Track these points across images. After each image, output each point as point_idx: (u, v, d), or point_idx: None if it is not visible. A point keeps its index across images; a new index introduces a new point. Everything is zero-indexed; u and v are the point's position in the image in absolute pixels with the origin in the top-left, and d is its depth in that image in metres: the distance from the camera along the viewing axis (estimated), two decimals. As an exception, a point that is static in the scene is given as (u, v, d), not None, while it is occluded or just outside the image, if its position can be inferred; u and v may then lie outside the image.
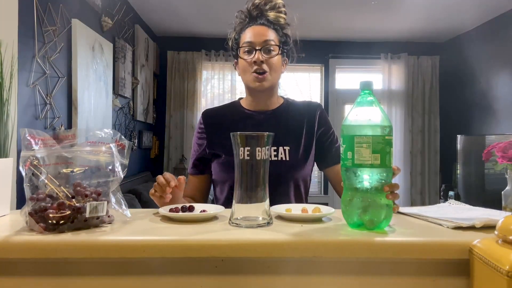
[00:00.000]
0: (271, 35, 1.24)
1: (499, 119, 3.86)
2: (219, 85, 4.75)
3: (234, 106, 1.37)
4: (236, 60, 1.33)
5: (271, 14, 1.27)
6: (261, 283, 0.74)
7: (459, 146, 3.69)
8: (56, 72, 2.29)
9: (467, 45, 4.39)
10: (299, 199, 1.27)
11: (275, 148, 1.25)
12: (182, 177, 1.07)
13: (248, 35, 1.24)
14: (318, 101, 1.38)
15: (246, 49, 1.24)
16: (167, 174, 1.04)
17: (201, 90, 4.74)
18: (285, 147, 1.25)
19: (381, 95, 4.73)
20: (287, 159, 1.25)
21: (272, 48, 1.23)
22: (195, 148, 1.35)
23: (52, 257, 0.70)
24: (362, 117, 0.79)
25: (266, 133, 0.82)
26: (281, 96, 1.38)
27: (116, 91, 3.28)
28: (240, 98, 1.40)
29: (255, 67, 1.22)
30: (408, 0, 3.53)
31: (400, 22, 4.16)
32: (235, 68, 1.36)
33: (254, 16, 1.28)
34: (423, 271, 0.73)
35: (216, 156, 1.29)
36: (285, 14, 1.30)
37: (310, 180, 1.34)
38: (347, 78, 4.98)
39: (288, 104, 1.35)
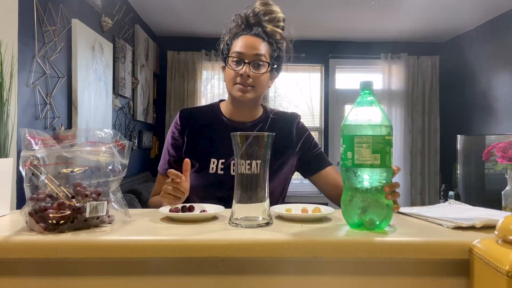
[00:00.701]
0: (263, 49, 1.20)
1: (499, 119, 3.86)
2: (219, 85, 4.75)
3: (213, 112, 1.31)
4: (223, 65, 1.28)
5: (269, 27, 1.23)
6: (261, 283, 0.74)
7: (459, 146, 3.69)
8: (56, 72, 2.29)
9: (467, 45, 4.39)
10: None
11: (249, 161, 1.22)
12: (187, 160, 1.05)
13: (239, 45, 1.20)
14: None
15: (234, 59, 1.20)
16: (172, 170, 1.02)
17: (201, 90, 4.74)
18: (257, 161, 1.23)
19: (381, 95, 4.73)
20: (258, 172, 1.22)
21: (261, 64, 1.19)
22: (170, 148, 1.28)
23: (52, 257, 0.70)
24: (362, 117, 0.79)
25: (266, 133, 0.82)
26: (263, 106, 1.33)
27: (116, 91, 3.28)
28: (221, 100, 1.35)
29: (241, 80, 1.18)
30: (408, 0, 3.53)
31: (400, 22, 4.16)
32: (222, 71, 1.32)
33: (251, 24, 1.24)
34: (423, 271, 0.73)
35: (191, 165, 1.21)
36: (283, 29, 1.26)
37: (287, 188, 1.31)
38: (347, 78, 4.98)
39: (266, 116, 1.31)
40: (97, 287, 0.73)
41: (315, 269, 0.74)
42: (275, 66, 1.26)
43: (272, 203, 1.25)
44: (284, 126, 1.31)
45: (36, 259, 0.71)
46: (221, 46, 1.31)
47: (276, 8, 1.25)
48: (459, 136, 3.72)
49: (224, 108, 1.31)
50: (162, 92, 4.71)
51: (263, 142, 0.82)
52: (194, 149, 1.25)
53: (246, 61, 1.18)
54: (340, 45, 4.78)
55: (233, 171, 1.19)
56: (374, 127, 0.78)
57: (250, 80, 1.18)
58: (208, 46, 4.71)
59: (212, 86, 4.77)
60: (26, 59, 2.00)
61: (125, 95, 3.52)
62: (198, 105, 4.67)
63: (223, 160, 1.22)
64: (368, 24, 4.25)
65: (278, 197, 1.29)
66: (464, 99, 4.46)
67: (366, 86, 0.82)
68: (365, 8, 3.74)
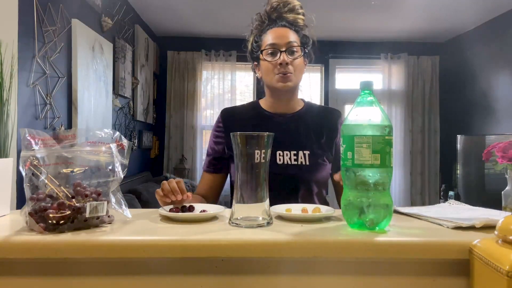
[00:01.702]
0: (293, 37, 1.24)
1: (499, 119, 3.86)
2: (219, 85, 4.75)
3: (254, 107, 1.35)
4: (255, 63, 1.32)
5: (290, 16, 1.27)
6: (261, 283, 0.74)
7: (459, 146, 3.69)
8: (56, 72, 2.29)
9: (467, 45, 4.39)
10: (323, 202, 1.27)
11: (295, 152, 1.24)
12: (189, 194, 1.03)
13: (270, 37, 1.24)
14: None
15: (269, 51, 1.23)
16: (174, 183, 1.00)
17: (201, 90, 4.74)
18: (304, 152, 1.25)
19: (381, 95, 4.73)
20: (307, 163, 1.24)
21: (295, 50, 1.24)
22: (212, 146, 1.33)
23: (52, 257, 0.70)
24: (362, 117, 0.79)
25: (266, 133, 0.82)
26: (302, 99, 1.37)
27: (116, 91, 3.28)
28: (259, 98, 1.38)
29: (280, 69, 1.21)
30: (408, 0, 3.53)
31: (400, 22, 4.16)
32: (254, 71, 1.35)
33: (274, 19, 1.28)
34: (423, 271, 0.73)
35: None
36: (303, 15, 1.30)
37: (327, 186, 1.34)
38: (347, 78, 4.98)
39: (308, 108, 1.34)
40: (97, 287, 0.73)
41: (315, 269, 0.74)
42: (307, 50, 1.30)
43: (320, 195, 1.27)
44: (326, 120, 1.33)
45: (36, 259, 0.71)
46: (249, 47, 1.34)
47: None
48: (459, 136, 3.72)
49: (264, 103, 1.34)
50: (162, 92, 4.71)
51: (263, 142, 0.81)
52: None
53: (282, 49, 1.21)
54: (340, 45, 4.78)
55: (279, 160, 1.23)
56: (374, 127, 0.78)
57: (289, 67, 1.22)
58: (208, 46, 4.71)
59: (212, 86, 4.77)
60: (26, 59, 2.00)
61: (125, 95, 3.52)
62: (198, 105, 4.69)
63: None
64: (368, 24, 4.25)
65: (324, 188, 1.31)
66: (464, 99, 4.46)
67: (366, 86, 0.82)
68: (365, 8, 3.74)
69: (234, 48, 4.64)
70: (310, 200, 1.24)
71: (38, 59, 2.09)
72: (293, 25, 1.27)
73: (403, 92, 4.79)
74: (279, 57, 1.21)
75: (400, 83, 4.81)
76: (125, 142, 0.86)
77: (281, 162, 1.24)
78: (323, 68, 4.88)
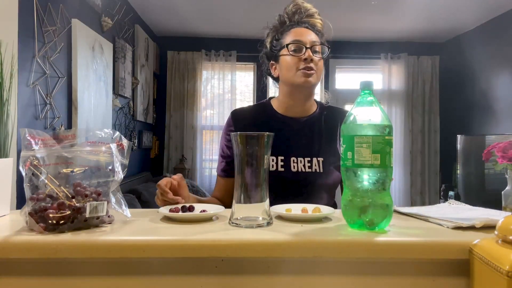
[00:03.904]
0: (315, 37, 1.26)
1: (499, 119, 3.86)
2: (219, 85, 4.75)
3: (266, 109, 1.33)
4: (272, 62, 1.31)
5: (310, 20, 1.30)
6: (261, 283, 0.74)
7: (459, 146, 3.69)
8: (56, 72, 2.29)
9: (467, 45, 4.39)
10: (332, 205, 1.27)
11: (309, 159, 1.24)
12: (177, 176, 1.05)
13: (294, 34, 1.25)
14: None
15: (294, 47, 1.23)
16: (163, 182, 1.02)
17: (201, 90, 4.74)
18: (318, 158, 1.24)
19: (381, 95, 4.73)
20: (321, 170, 1.24)
21: (318, 50, 1.25)
22: (224, 150, 1.30)
23: (52, 257, 0.70)
24: (362, 117, 0.79)
25: (266, 133, 0.81)
26: (315, 100, 1.36)
27: (116, 91, 3.28)
28: (271, 98, 1.36)
29: (304, 65, 1.21)
30: (408, 0, 3.53)
31: (400, 22, 4.16)
32: (268, 73, 1.34)
33: (295, 21, 1.29)
34: (423, 271, 0.73)
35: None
36: (321, 21, 1.33)
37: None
38: (347, 78, 4.98)
39: (322, 110, 1.33)
40: (97, 287, 0.73)
41: (315, 269, 0.74)
42: (328, 52, 1.30)
43: (329, 198, 1.27)
44: (341, 121, 1.31)
45: (36, 259, 0.71)
46: (268, 45, 1.33)
47: (308, 5, 1.33)
48: (459, 136, 3.72)
49: (276, 105, 1.32)
50: (162, 92, 4.71)
51: (263, 142, 0.81)
52: None
53: (307, 46, 1.22)
54: (340, 45, 4.77)
55: (294, 168, 1.22)
56: (374, 127, 0.78)
57: (313, 64, 1.22)
58: (208, 46, 4.71)
59: (212, 86, 4.77)
60: (26, 59, 2.00)
61: (125, 95, 3.52)
62: (198, 105, 4.69)
63: (282, 157, 1.24)
64: (368, 24, 4.25)
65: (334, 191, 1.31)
66: (464, 99, 4.46)
67: (366, 86, 0.82)
68: (365, 8, 3.74)
69: (234, 48, 4.64)
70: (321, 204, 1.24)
71: (38, 59, 2.09)
72: (314, 28, 1.29)
73: (403, 92, 4.79)
74: (304, 53, 1.21)
75: (400, 83, 4.81)
76: (125, 142, 0.86)
77: (295, 169, 1.23)
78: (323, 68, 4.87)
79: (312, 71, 1.22)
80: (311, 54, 1.21)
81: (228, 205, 1.14)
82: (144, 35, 4.08)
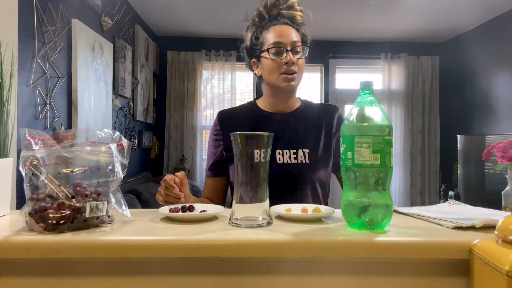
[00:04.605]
0: (296, 36, 1.23)
1: (499, 119, 3.86)
2: (219, 85, 4.75)
3: (251, 107, 1.34)
4: (254, 60, 1.30)
5: (290, 12, 1.26)
6: (261, 283, 0.74)
7: (459, 146, 3.69)
8: (56, 72, 2.29)
9: (467, 45, 4.39)
10: (318, 202, 1.26)
11: (295, 151, 1.24)
12: (180, 174, 1.07)
13: (274, 35, 1.22)
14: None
15: (274, 51, 1.21)
16: (168, 178, 1.05)
17: (201, 90, 4.74)
18: (304, 150, 1.24)
19: (381, 95, 4.73)
20: (307, 161, 1.24)
21: (299, 49, 1.23)
22: (211, 150, 1.32)
23: (52, 257, 0.70)
24: (362, 117, 0.79)
25: (266, 133, 0.81)
26: (299, 98, 1.36)
27: (116, 91, 3.28)
28: (256, 99, 1.37)
29: (286, 68, 1.20)
30: (408, 0, 3.53)
31: (400, 22, 4.16)
32: (251, 68, 1.33)
33: (274, 16, 1.26)
34: (423, 271, 0.73)
35: (232, 160, 1.28)
36: (301, 12, 1.29)
37: (329, 185, 1.32)
38: (347, 78, 4.98)
39: (306, 106, 1.33)
40: (97, 287, 0.73)
41: (315, 269, 0.74)
42: (308, 50, 1.28)
43: (325, 193, 1.28)
44: (325, 116, 1.32)
45: (36, 259, 0.71)
46: (248, 44, 1.31)
47: None
48: (459, 136, 3.72)
49: (261, 103, 1.33)
50: (162, 92, 4.71)
51: (263, 142, 0.81)
52: None
53: (288, 48, 1.20)
54: (340, 45, 4.78)
55: (279, 160, 1.23)
56: (374, 127, 0.78)
57: (295, 66, 1.21)
58: (208, 46, 4.71)
59: (212, 86, 4.77)
60: (26, 59, 2.00)
61: (125, 95, 3.52)
62: (198, 105, 4.69)
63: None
64: (368, 24, 4.25)
65: (328, 188, 1.31)
66: (464, 99, 4.46)
67: (366, 86, 0.82)
68: (365, 8, 3.74)
69: (234, 48, 4.64)
70: (310, 200, 1.23)
71: (38, 59, 2.09)
72: (294, 22, 1.26)
73: (403, 92, 4.79)
74: (285, 57, 1.20)
75: (400, 83, 4.81)
76: (125, 142, 0.86)
77: (281, 161, 1.23)
78: (323, 68, 4.88)
79: (294, 75, 1.21)
80: (292, 57, 1.20)
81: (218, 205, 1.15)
82: (144, 35, 4.08)
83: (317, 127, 1.29)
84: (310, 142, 1.26)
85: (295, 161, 1.23)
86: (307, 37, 1.30)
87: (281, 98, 1.29)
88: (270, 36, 1.23)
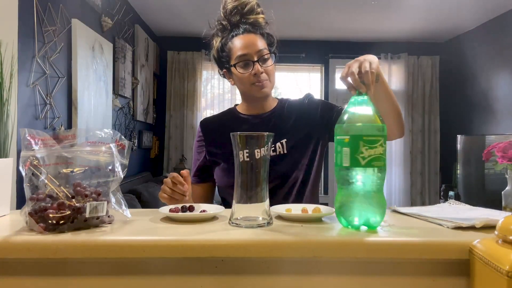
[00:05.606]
0: (261, 43, 1.23)
1: (499, 119, 3.86)
2: (219, 85, 4.75)
3: (231, 113, 1.37)
4: (225, 70, 1.30)
5: (251, 17, 1.25)
6: (261, 283, 0.74)
7: (459, 146, 3.69)
8: (56, 72, 2.29)
9: (467, 45, 4.39)
10: (300, 195, 1.24)
11: (273, 146, 1.24)
12: (185, 172, 1.09)
13: (239, 46, 1.21)
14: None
15: (241, 65, 1.21)
16: (175, 174, 1.07)
17: (201, 90, 4.74)
18: (281, 141, 1.25)
19: (381, 95, 4.73)
20: (285, 151, 1.24)
21: (266, 57, 1.22)
22: (195, 157, 1.36)
23: (52, 257, 0.70)
24: (355, 117, 0.80)
25: (266, 133, 0.82)
26: (276, 98, 1.38)
27: (116, 91, 3.28)
28: (236, 105, 1.40)
29: (256, 79, 1.21)
30: (408, 0, 3.53)
31: (400, 22, 4.16)
32: (224, 77, 1.34)
33: (235, 23, 1.25)
34: (423, 271, 0.73)
35: (216, 163, 1.30)
36: (263, 13, 1.28)
37: (318, 180, 1.31)
38: (347, 78, 4.97)
39: (282, 104, 1.34)
40: (97, 287, 0.73)
41: (315, 269, 0.74)
42: (276, 53, 1.29)
43: (314, 188, 1.28)
44: (300, 106, 1.33)
45: (36, 259, 0.71)
46: (216, 55, 1.32)
47: None
48: (459, 136, 3.72)
49: (241, 108, 1.36)
50: (162, 92, 4.71)
51: (262, 142, 0.81)
52: (218, 149, 1.29)
53: (254, 60, 1.20)
54: (340, 45, 4.78)
55: (257, 155, 1.21)
56: (367, 127, 0.78)
57: (264, 75, 1.21)
58: (208, 46, 4.70)
59: (212, 86, 4.77)
60: (26, 59, 2.00)
61: (125, 95, 3.52)
62: (198, 105, 4.69)
63: (247, 150, 1.25)
64: (368, 24, 4.25)
65: (318, 184, 1.31)
66: (464, 99, 4.46)
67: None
68: (365, 8, 3.74)
69: (234, 48, 4.64)
70: (287, 194, 1.22)
71: (38, 59, 2.09)
72: (257, 28, 1.25)
73: (403, 92, 4.79)
74: (253, 68, 1.20)
75: (400, 83, 4.81)
76: (125, 142, 0.86)
77: (259, 156, 1.23)
78: (323, 68, 4.88)
79: (265, 82, 1.22)
80: (259, 68, 1.20)
81: None
82: (144, 35, 4.08)
83: (293, 121, 1.29)
84: (287, 133, 1.26)
85: (274, 153, 1.24)
86: (273, 37, 1.30)
87: (256, 103, 1.30)
88: (235, 49, 1.22)
